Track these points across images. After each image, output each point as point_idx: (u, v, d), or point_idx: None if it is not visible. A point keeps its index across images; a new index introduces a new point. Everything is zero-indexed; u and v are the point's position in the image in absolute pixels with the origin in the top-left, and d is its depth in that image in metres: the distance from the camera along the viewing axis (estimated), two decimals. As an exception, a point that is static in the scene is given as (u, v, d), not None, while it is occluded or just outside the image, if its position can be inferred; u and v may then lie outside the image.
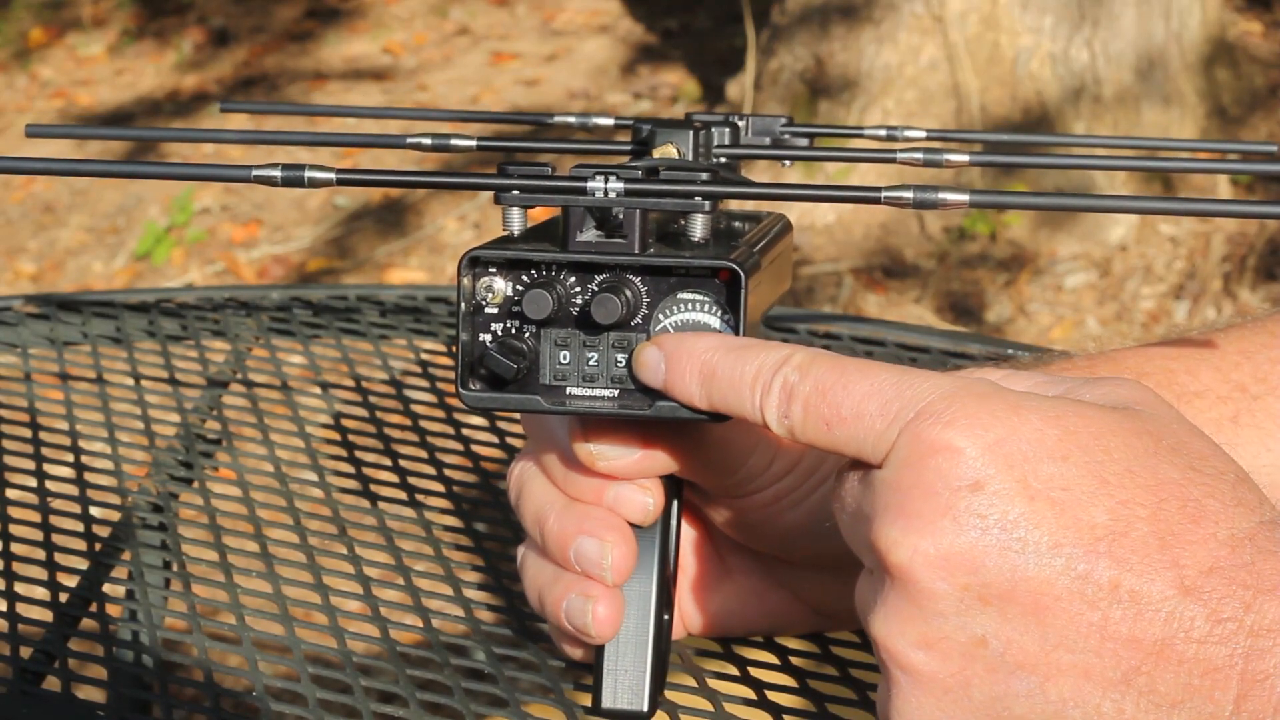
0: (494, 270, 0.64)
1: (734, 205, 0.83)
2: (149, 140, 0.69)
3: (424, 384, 1.08)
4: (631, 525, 0.69)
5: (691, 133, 0.72)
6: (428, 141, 0.75)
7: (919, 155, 0.67)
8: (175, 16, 5.09)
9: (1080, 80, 3.39)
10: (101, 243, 3.93)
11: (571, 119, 0.81)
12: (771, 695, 0.73)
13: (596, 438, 0.67)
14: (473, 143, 0.75)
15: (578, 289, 0.64)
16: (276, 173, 0.63)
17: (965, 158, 0.67)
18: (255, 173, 0.63)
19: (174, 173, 0.65)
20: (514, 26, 4.73)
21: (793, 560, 0.73)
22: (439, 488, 0.95)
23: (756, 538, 0.72)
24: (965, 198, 0.60)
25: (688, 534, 0.74)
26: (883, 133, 0.78)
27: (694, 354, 0.62)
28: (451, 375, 1.08)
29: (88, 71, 4.88)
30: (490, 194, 0.65)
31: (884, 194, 0.60)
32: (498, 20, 4.79)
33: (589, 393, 0.64)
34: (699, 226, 0.64)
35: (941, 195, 0.60)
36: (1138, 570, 0.53)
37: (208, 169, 0.65)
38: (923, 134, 0.77)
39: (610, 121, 0.80)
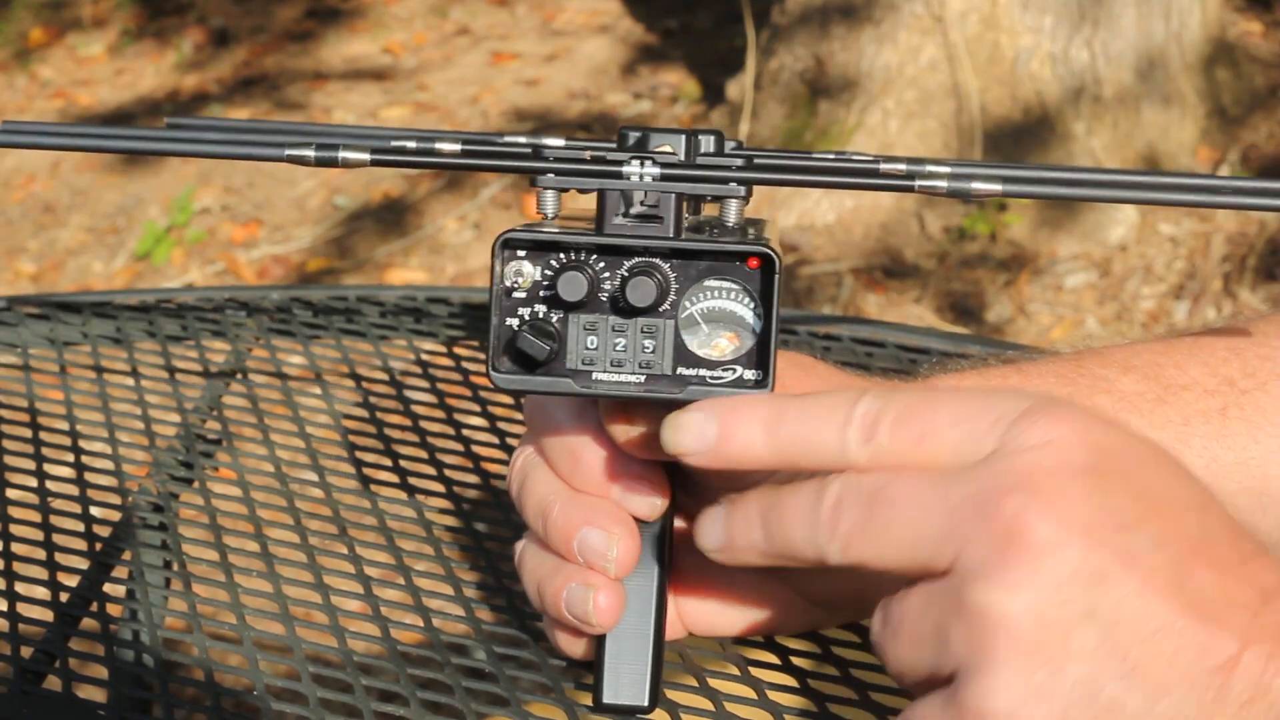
0: (522, 255, 0.65)
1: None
2: (123, 152, 0.68)
3: (424, 384, 1.08)
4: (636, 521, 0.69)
5: (685, 137, 0.73)
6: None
7: (943, 185, 0.63)
8: (175, 16, 5.09)
9: (1080, 80, 3.39)
10: (101, 243, 3.93)
11: (522, 139, 0.73)
12: (771, 695, 0.73)
13: (632, 419, 0.67)
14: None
15: (607, 274, 0.64)
16: (310, 152, 0.63)
17: (998, 187, 0.63)
18: (288, 151, 0.63)
19: (206, 151, 0.64)
20: (514, 26, 4.73)
21: None
22: (439, 488, 0.95)
23: None
24: (999, 187, 0.59)
25: (684, 535, 0.74)
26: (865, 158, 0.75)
27: (753, 404, 0.62)
28: (451, 375, 1.08)
29: (88, 71, 4.87)
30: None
31: (917, 183, 0.60)
32: (498, 20, 4.79)
33: (616, 378, 0.65)
34: (733, 212, 0.64)
35: (975, 185, 0.60)
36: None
37: (239, 148, 0.64)
38: (902, 166, 0.74)
39: (560, 142, 0.71)
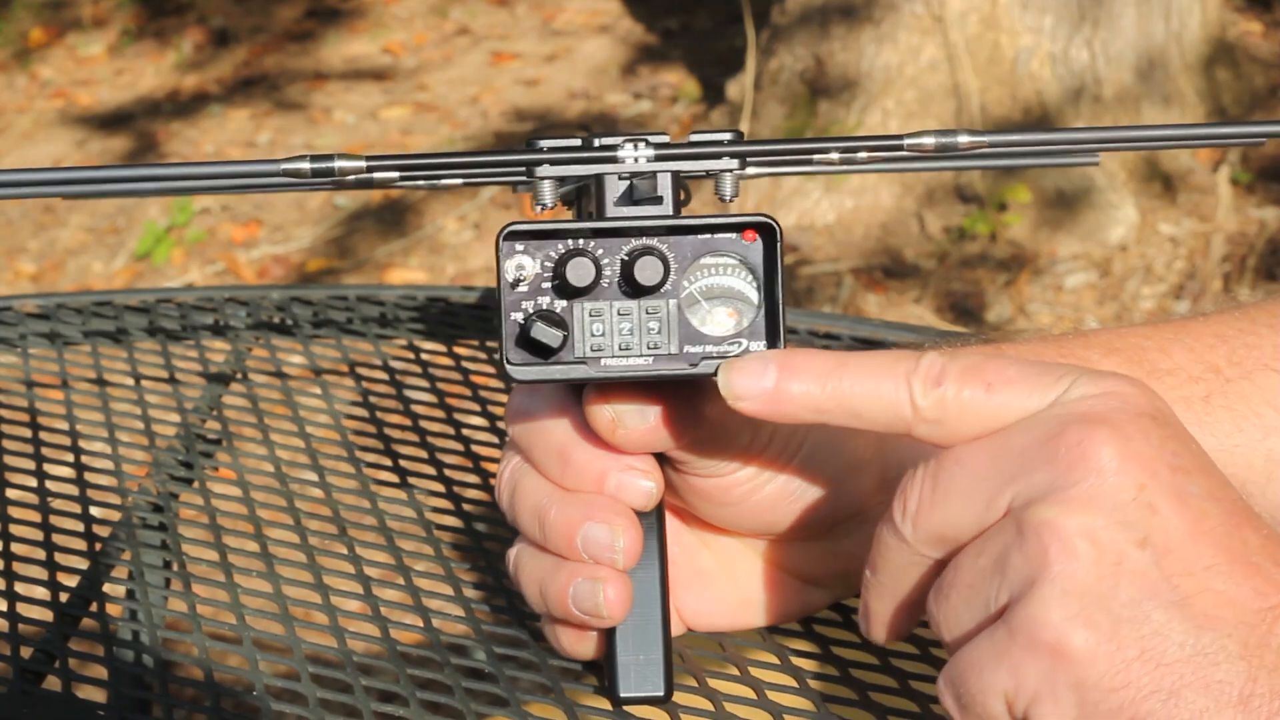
0: (521, 249, 0.65)
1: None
2: (57, 189, 0.69)
3: (424, 384, 1.08)
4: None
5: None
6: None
7: (930, 141, 0.65)
8: (175, 16, 5.09)
9: (1080, 80, 3.39)
10: (101, 243, 3.93)
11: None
12: (771, 695, 0.73)
13: (617, 399, 0.67)
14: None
15: (606, 260, 0.65)
16: (305, 165, 0.64)
17: (984, 138, 0.65)
18: (284, 166, 0.63)
19: (201, 173, 0.65)
20: (514, 26, 4.73)
21: (777, 536, 0.73)
22: (439, 488, 0.95)
23: (740, 518, 0.72)
24: (985, 139, 0.61)
25: (675, 531, 0.74)
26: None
27: (814, 352, 0.62)
28: (451, 375, 1.08)
29: (88, 71, 4.88)
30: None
31: (906, 140, 0.61)
32: (498, 20, 4.79)
33: (625, 362, 0.65)
34: (728, 185, 0.65)
35: (961, 138, 0.62)
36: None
37: (232, 166, 0.65)
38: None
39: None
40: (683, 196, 0.68)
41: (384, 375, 1.10)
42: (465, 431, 1.01)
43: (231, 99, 4.54)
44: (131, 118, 4.52)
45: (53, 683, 0.80)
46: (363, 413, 1.05)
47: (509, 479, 0.71)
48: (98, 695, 0.80)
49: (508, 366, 0.65)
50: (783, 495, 0.70)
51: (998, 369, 0.59)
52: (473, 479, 0.96)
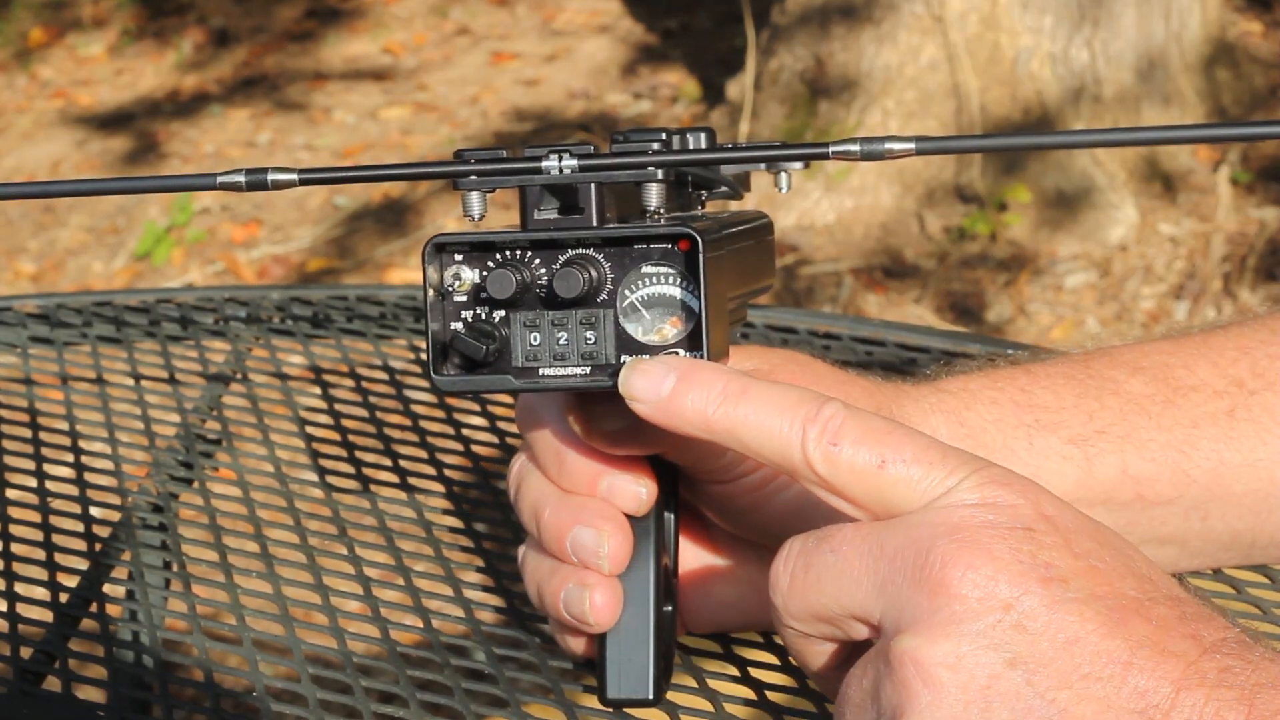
0: (459, 258, 0.65)
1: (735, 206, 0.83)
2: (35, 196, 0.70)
3: (424, 384, 1.08)
4: (627, 516, 0.69)
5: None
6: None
7: (856, 149, 0.63)
8: (175, 16, 5.09)
9: (1080, 80, 3.39)
10: (101, 243, 3.93)
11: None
12: (771, 695, 0.74)
13: (590, 408, 0.67)
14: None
15: (543, 270, 0.65)
16: (240, 178, 0.64)
17: (911, 146, 0.63)
18: (220, 179, 0.64)
19: (141, 186, 0.66)
20: (514, 26, 4.73)
21: None
22: (439, 488, 0.95)
23: (748, 526, 0.72)
24: (911, 146, 0.60)
25: (685, 529, 0.74)
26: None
27: (719, 371, 0.61)
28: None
29: (88, 71, 4.87)
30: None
31: (831, 149, 0.61)
32: (498, 20, 4.79)
33: (560, 371, 0.65)
34: (654, 196, 0.65)
35: (888, 145, 0.61)
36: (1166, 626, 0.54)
37: (174, 180, 0.65)
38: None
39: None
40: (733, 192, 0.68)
41: (384, 375, 1.10)
42: (465, 431, 1.01)
43: (231, 99, 4.54)
44: (131, 118, 4.52)
45: (53, 683, 0.80)
46: (363, 413, 1.05)
47: (516, 474, 0.72)
48: (98, 695, 0.80)
49: (433, 376, 0.66)
50: (794, 508, 0.70)
51: (895, 446, 0.58)
52: (473, 479, 0.96)
